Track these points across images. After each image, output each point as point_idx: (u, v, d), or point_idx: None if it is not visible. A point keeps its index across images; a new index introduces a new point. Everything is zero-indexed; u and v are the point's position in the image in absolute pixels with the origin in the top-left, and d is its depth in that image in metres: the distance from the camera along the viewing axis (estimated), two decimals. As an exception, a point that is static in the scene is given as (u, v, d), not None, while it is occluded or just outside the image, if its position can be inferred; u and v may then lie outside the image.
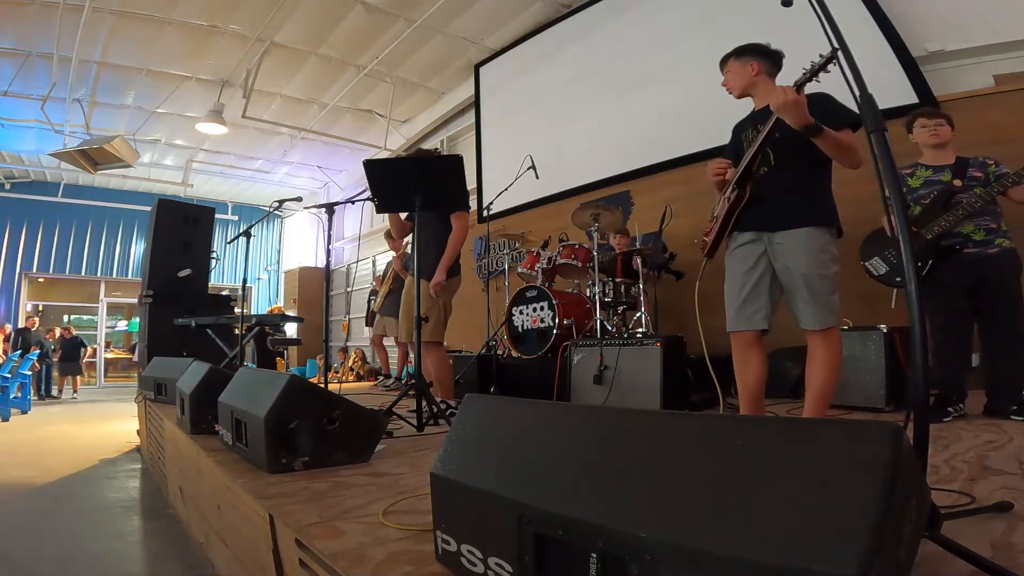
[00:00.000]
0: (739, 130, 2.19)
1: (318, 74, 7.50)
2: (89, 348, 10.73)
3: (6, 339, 8.91)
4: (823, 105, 1.82)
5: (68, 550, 2.14)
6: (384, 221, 5.91)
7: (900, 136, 2.61)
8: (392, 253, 5.81)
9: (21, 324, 9.78)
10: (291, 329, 9.02)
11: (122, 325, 12.86)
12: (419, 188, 2.61)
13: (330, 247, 3.87)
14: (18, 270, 10.82)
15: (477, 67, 7.42)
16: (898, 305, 3.28)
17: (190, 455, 2.25)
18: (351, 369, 8.80)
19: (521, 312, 4.22)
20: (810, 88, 1.74)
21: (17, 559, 2.05)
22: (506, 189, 5.07)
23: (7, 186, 10.75)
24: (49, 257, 11.16)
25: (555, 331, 3.83)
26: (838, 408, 2.79)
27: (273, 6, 5.86)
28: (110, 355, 12.66)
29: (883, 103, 1.21)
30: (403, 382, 5.16)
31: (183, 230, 5.23)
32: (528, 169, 4.79)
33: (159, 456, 3.12)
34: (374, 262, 10.26)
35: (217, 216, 5.93)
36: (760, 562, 0.53)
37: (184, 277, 5.09)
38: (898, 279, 3.04)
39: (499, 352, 4.43)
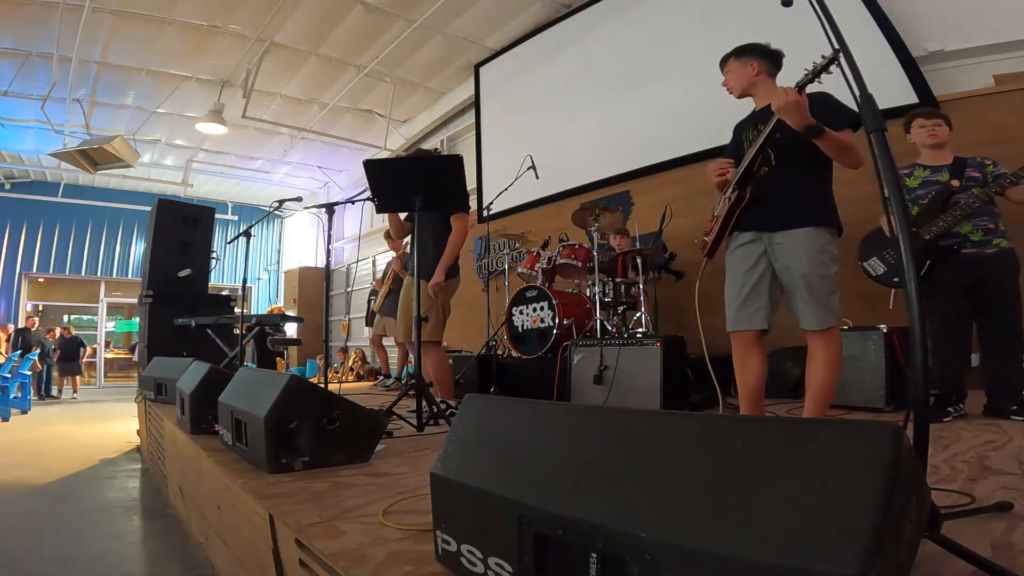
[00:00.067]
0: (740, 130, 2.19)
1: (318, 74, 7.50)
2: (89, 348, 10.72)
3: (7, 339, 8.91)
4: (824, 105, 1.82)
5: (68, 550, 2.14)
6: (384, 221, 5.90)
7: (899, 136, 2.62)
8: (392, 253, 5.81)
9: (21, 324, 9.78)
10: (291, 329, 9.02)
11: (110, 326, 12.82)
12: (419, 188, 2.61)
13: (330, 247, 3.87)
14: (18, 270, 10.83)
15: (477, 67, 7.42)
16: (896, 305, 3.29)
17: (190, 455, 2.25)
18: (351, 369, 8.80)
19: (521, 312, 4.22)
20: (811, 87, 1.74)
21: (17, 559, 2.05)
22: (506, 189, 5.07)
23: (7, 186, 10.75)
24: (49, 257, 11.16)
25: (555, 331, 3.83)
26: (838, 408, 2.79)
27: (273, 6, 5.86)
28: (110, 355, 12.66)
29: (883, 103, 1.21)
30: (403, 382, 5.16)
31: (183, 230, 5.23)
32: (528, 169, 4.80)
33: (159, 456, 3.12)
34: (374, 262, 10.26)
35: (217, 216, 5.93)
36: (760, 562, 0.53)
37: (184, 277, 5.09)
38: (896, 279, 3.04)
39: (499, 352, 4.43)
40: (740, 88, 2.10)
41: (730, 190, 2.05)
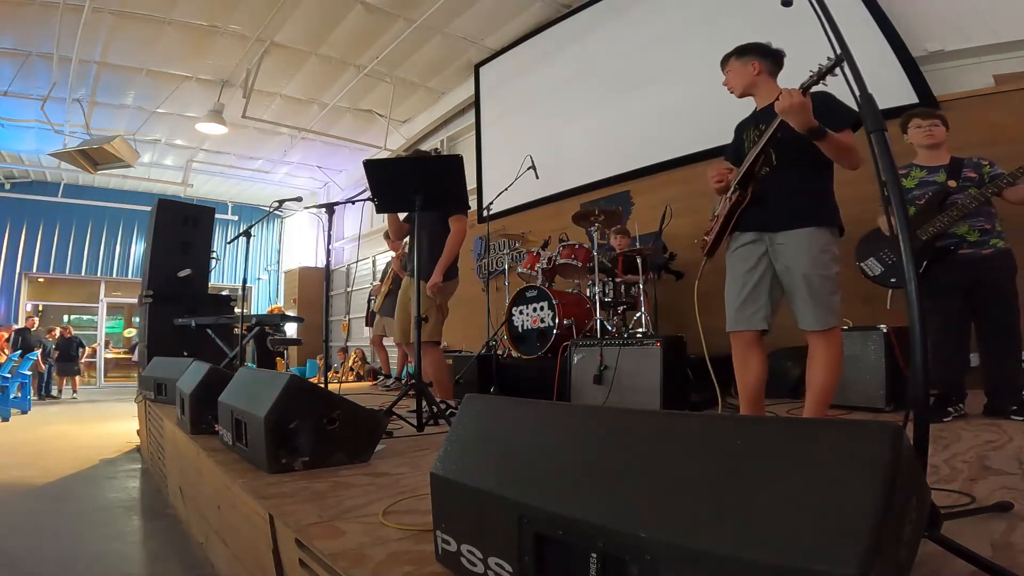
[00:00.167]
0: (741, 129, 2.19)
1: (318, 74, 7.50)
2: (87, 348, 10.72)
3: (7, 339, 8.91)
4: (825, 104, 1.82)
5: (68, 550, 2.14)
6: (384, 221, 5.91)
7: (896, 136, 2.61)
8: (392, 253, 5.81)
9: (21, 324, 9.78)
10: (291, 329, 9.02)
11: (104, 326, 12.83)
12: (419, 188, 2.61)
13: (330, 247, 3.87)
14: (18, 270, 10.83)
15: (477, 67, 7.42)
16: (893, 305, 3.29)
17: (190, 455, 2.25)
18: (351, 369, 8.80)
19: (521, 312, 4.22)
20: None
21: (17, 559, 2.05)
22: (506, 189, 5.07)
23: (7, 186, 10.75)
24: (49, 257, 11.16)
25: (555, 331, 3.83)
26: (838, 408, 2.79)
27: (273, 6, 5.86)
28: (110, 355, 12.66)
29: (883, 103, 1.21)
30: (403, 382, 5.16)
31: (183, 230, 5.23)
32: (528, 169, 4.79)
33: (159, 456, 3.12)
34: (374, 262, 10.26)
35: (217, 216, 5.93)
36: (760, 562, 0.53)
37: (184, 277, 5.09)
38: (893, 279, 3.05)
39: (499, 352, 4.43)
40: (741, 88, 2.10)
41: (731, 190, 2.05)
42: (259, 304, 13.17)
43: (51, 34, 6.08)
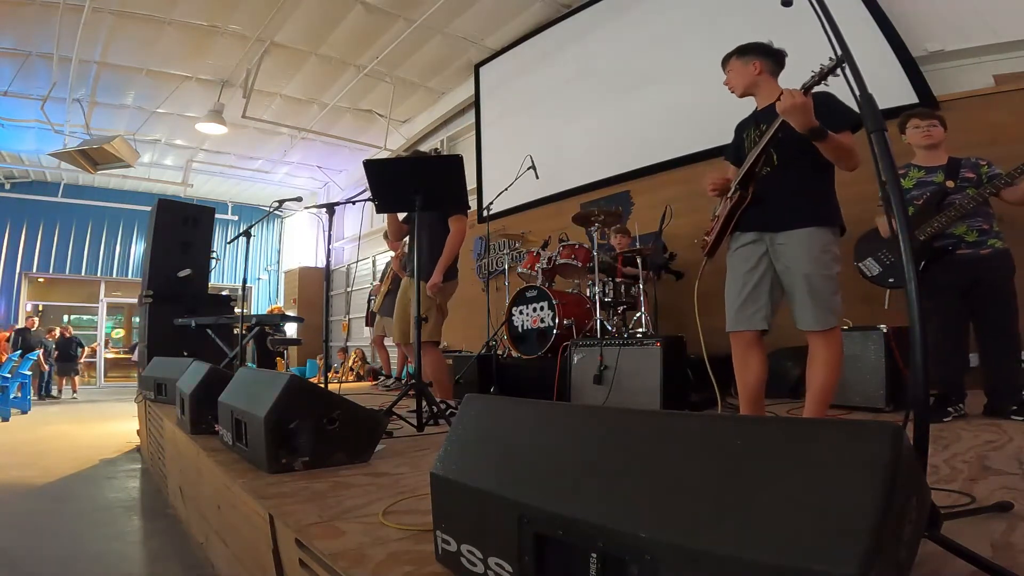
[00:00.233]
0: (741, 129, 2.19)
1: (318, 74, 7.50)
2: (87, 348, 10.72)
3: (7, 339, 8.91)
4: (826, 105, 1.82)
5: (68, 550, 2.14)
6: (384, 221, 5.91)
7: (895, 137, 2.61)
8: (391, 253, 5.81)
9: (21, 324, 9.78)
10: (291, 329, 9.02)
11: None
12: (419, 188, 2.61)
13: (330, 247, 3.88)
14: (18, 270, 10.83)
15: (477, 67, 7.42)
16: (891, 306, 3.29)
17: (190, 455, 2.25)
18: (351, 369, 8.80)
19: (521, 312, 4.22)
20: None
21: (17, 559, 2.05)
22: (506, 189, 5.07)
23: (7, 186, 10.75)
24: (49, 257, 11.16)
25: (555, 331, 3.83)
26: (838, 408, 2.79)
27: (273, 6, 5.86)
28: (110, 355, 12.65)
29: (883, 103, 1.21)
30: (403, 382, 5.16)
31: (183, 230, 5.23)
32: (528, 169, 4.79)
33: (159, 456, 3.12)
34: (374, 262, 10.27)
35: (217, 216, 5.93)
36: (760, 562, 0.53)
37: (184, 277, 5.09)
38: (891, 280, 3.05)
39: (499, 352, 4.43)
40: (742, 87, 2.10)
41: (732, 190, 2.05)
42: (259, 304, 13.17)
43: (51, 34, 6.08)
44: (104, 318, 12.17)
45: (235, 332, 4.52)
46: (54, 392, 9.55)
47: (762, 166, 1.99)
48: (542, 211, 6.36)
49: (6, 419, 6.37)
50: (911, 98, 3.76)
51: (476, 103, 7.49)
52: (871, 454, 0.54)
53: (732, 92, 2.14)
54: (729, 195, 2.06)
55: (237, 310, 5.32)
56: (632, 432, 0.76)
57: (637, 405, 2.89)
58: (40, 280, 11.65)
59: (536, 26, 6.71)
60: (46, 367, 9.26)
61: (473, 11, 6.38)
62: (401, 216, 3.36)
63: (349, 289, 11.28)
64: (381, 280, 6.11)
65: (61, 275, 11.43)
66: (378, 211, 2.93)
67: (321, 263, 11.83)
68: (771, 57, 2.06)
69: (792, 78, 1.87)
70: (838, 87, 1.40)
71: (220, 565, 1.81)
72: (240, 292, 4.46)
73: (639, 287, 4.01)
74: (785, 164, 1.96)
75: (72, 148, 7.54)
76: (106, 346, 12.47)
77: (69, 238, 11.39)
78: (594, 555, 0.68)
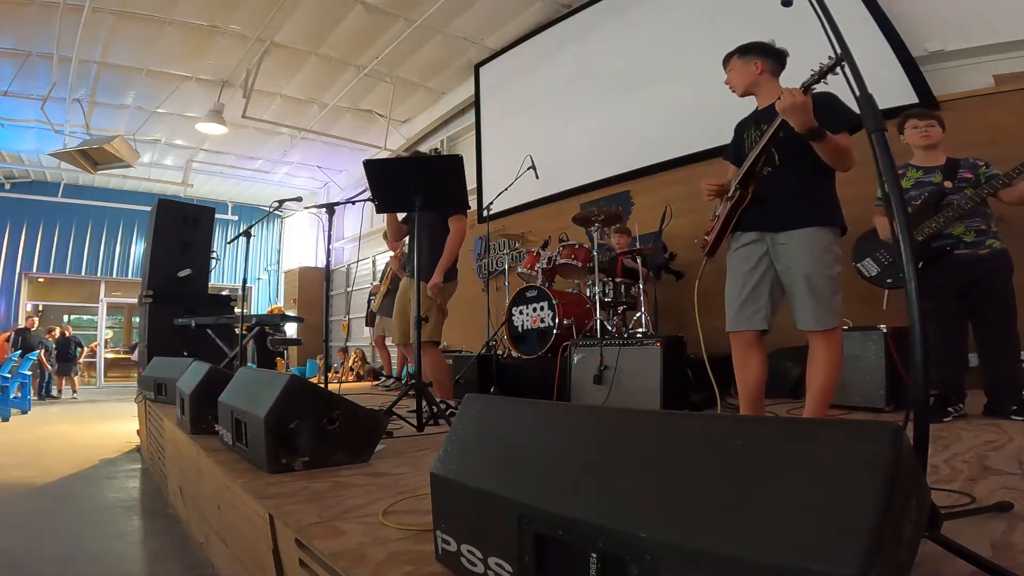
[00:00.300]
0: (741, 129, 2.19)
1: (318, 74, 7.50)
2: (86, 348, 10.72)
3: (7, 339, 8.91)
4: (825, 105, 1.82)
5: (68, 550, 2.14)
6: (384, 221, 5.91)
7: (893, 137, 2.61)
8: (391, 253, 5.81)
9: (21, 324, 9.78)
10: (291, 329, 9.02)
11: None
12: (419, 188, 2.61)
13: (330, 247, 3.87)
14: (18, 270, 10.82)
15: (477, 67, 7.42)
16: (889, 306, 3.29)
17: (190, 455, 2.25)
18: (351, 369, 8.80)
19: (521, 312, 4.22)
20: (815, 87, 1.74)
21: (17, 559, 2.05)
22: (506, 189, 5.07)
23: (7, 186, 10.75)
24: (49, 257, 11.16)
25: (555, 331, 3.83)
26: (838, 408, 2.79)
27: (273, 6, 5.86)
28: (110, 355, 12.65)
29: (883, 103, 1.21)
30: (403, 382, 5.16)
31: (183, 230, 5.23)
32: (528, 169, 4.79)
33: (159, 456, 3.12)
34: (374, 262, 10.27)
35: (217, 216, 5.93)
36: (760, 562, 0.53)
37: (184, 277, 5.09)
38: (889, 280, 3.05)
39: (499, 352, 4.43)
40: (743, 87, 2.10)
41: (732, 190, 2.05)
42: (259, 304, 13.17)
43: (51, 34, 6.08)
44: (104, 318, 12.17)
45: (235, 332, 4.52)
46: (54, 392, 9.55)
47: (763, 166, 1.99)
48: (542, 211, 6.36)
49: (6, 419, 6.37)
50: (911, 98, 3.76)
51: (476, 103, 7.49)
52: (871, 454, 0.54)
53: (733, 91, 2.14)
54: (729, 195, 2.06)
55: (237, 310, 5.32)
56: (632, 432, 0.76)
57: (637, 405, 2.89)
58: (40, 280, 11.65)
59: (536, 26, 6.71)
60: (49, 367, 9.27)
61: (473, 11, 6.38)
62: (401, 216, 3.36)
63: (349, 289, 11.28)
64: (380, 280, 6.11)
65: (61, 275, 11.43)
66: (378, 211, 2.93)
67: (321, 263, 11.82)
68: (773, 57, 2.06)
69: (792, 78, 1.87)
70: (838, 87, 1.40)
71: (220, 565, 1.81)
72: (240, 292, 4.46)
73: (639, 287, 4.01)
74: (786, 164, 1.96)
75: (72, 148, 7.54)
76: (106, 346, 12.47)
77: (69, 238, 11.39)
78: (594, 555, 0.68)
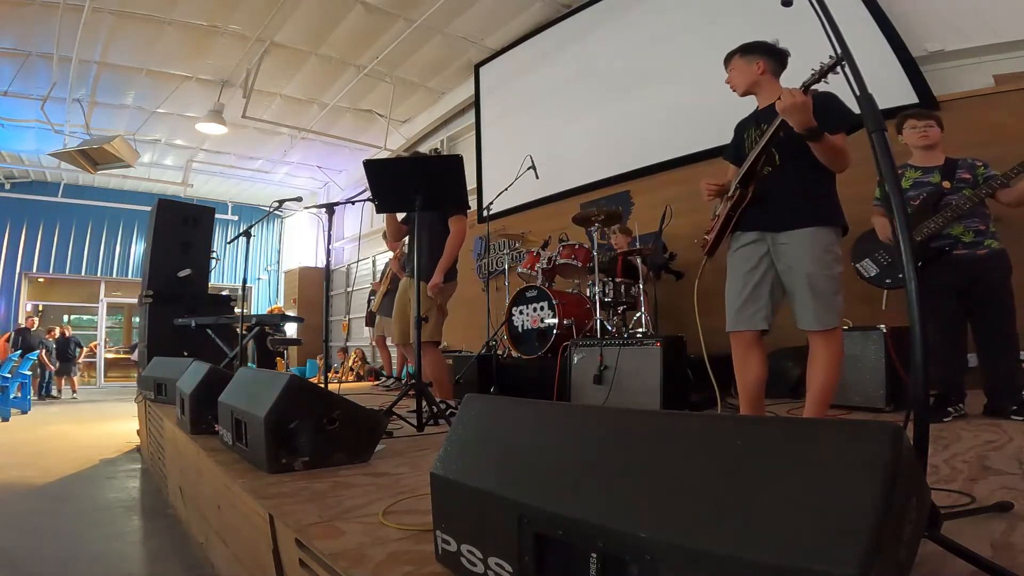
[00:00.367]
0: (741, 129, 2.19)
1: (318, 74, 7.50)
2: (85, 348, 10.71)
3: (7, 340, 8.91)
4: (824, 105, 1.82)
5: (68, 550, 2.14)
6: (384, 221, 5.90)
7: (892, 137, 2.61)
8: (391, 252, 5.81)
9: (22, 324, 9.78)
10: (291, 329, 9.02)
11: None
12: (419, 188, 2.61)
13: (330, 247, 3.87)
14: (18, 270, 10.82)
15: (477, 67, 7.42)
16: (888, 306, 3.29)
17: (190, 455, 2.25)
18: (351, 369, 8.80)
19: (521, 312, 4.22)
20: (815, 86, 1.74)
21: (17, 559, 2.05)
22: (506, 189, 5.07)
23: (7, 186, 10.75)
24: (49, 257, 11.16)
25: (555, 331, 3.83)
26: (838, 408, 2.79)
27: (273, 6, 5.86)
28: (110, 355, 12.65)
29: (883, 103, 1.21)
30: (403, 382, 5.16)
31: (183, 230, 5.23)
32: (528, 169, 4.79)
33: (159, 456, 3.12)
34: (374, 262, 10.27)
35: (217, 216, 5.93)
36: (760, 562, 0.53)
37: (184, 277, 5.09)
38: (888, 280, 3.05)
39: (499, 352, 4.43)
40: (744, 86, 2.09)
41: (732, 189, 2.05)
42: (259, 304, 13.17)
43: (51, 34, 6.08)
44: (104, 318, 12.16)
45: (235, 332, 4.52)
46: (54, 392, 9.55)
47: (763, 165, 1.99)
48: (542, 211, 6.36)
49: (6, 419, 6.36)
50: (911, 98, 3.76)
51: (476, 103, 7.49)
52: (871, 454, 0.54)
53: (733, 90, 2.14)
54: (729, 194, 2.06)
55: (237, 310, 5.32)
56: (632, 432, 0.76)
57: (637, 405, 2.89)
58: (40, 280, 11.65)
59: (536, 26, 6.71)
60: (52, 366, 9.27)
61: (473, 11, 6.38)
62: (400, 216, 3.36)
63: (349, 289, 11.28)
64: (380, 280, 6.10)
65: (61, 275, 11.43)
66: (378, 211, 2.93)
67: (321, 263, 11.82)
68: (774, 57, 2.06)
69: (792, 78, 1.87)
70: (839, 87, 1.41)
71: (220, 565, 1.81)
72: (240, 292, 4.46)
73: (639, 287, 4.01)
74: (786, 163, 1.96)
75: (72, 148, 7.53)
76: (105, 346, 12.47)
77: (69, 238, 11.39)
78: (594, 555, 0.68)
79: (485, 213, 4.85)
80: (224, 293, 8.44)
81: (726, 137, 2.26)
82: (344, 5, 6.11)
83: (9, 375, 6.79)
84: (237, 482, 1.60)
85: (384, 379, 6.30)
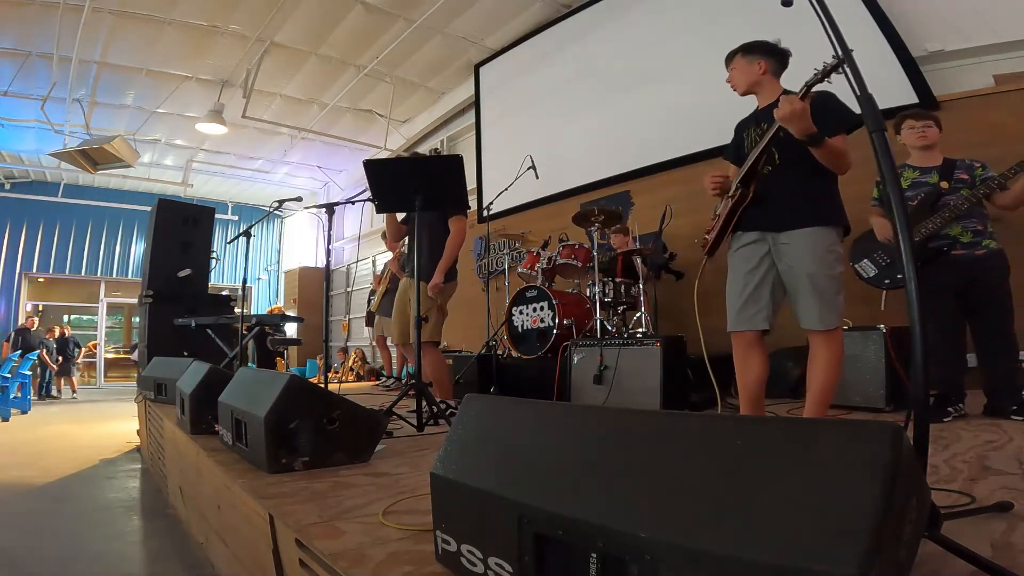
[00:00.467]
0: (741, 128, 2.19)
1: (318, 74, 7.50)
2: (83, 348, 10.71)
3: (7, 340, 8.91)
4: (824, 105, 1.82)
5: (68, 550, 2.14)
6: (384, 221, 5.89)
7: (890, 137, 2.61)
8: (391, 253, 5.81)
9: (22, 324, 9.78)
10: (291, 329, 9.02)
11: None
12: (419, 188, 2.61)
13: (330, 247, 3.87)
14: (18, 270, 10.82)
15: (477, 67, 7.42)
16: (887, 307, 3.29)
17: (190, 455, 2.25)
18: (351, 369, 8.80)
19: (521, 312, 4.22)
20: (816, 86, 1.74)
21: (17, 559, 2.05)
22: (506, 189, 5.07)
23: (7, 186, 10.75)
24: (49, 257, 11.16)
25: (555, 331, 3.83)
26: (838, 408, 2.79)
27: (273, 6, 5.86)
28: (110, 355, 12.65)
29: (883, 103, 1.21)
30: (403, 382, 5.16)
31: (183, 230, 5.23)
32: (528, 169, 4.79)
33: (159, 456, 3.12)
34: (374, 262, 10.26)
35: (217, 216, 5.93)
36: (760, 562, 0.53)
37: (184, 277, 5.09)
38: (887, 281, 3.05)
39: (499, 352, 4.43)
40: (744, 86, 2.09)
41: (733, 189, 2.05)
42: (259, 304, 13.17)
43: (51, 34, 6.08)
44: (104, 318, 12.16)
45: (235, 332, 4.52)
46: (54, 392, 9.55)
47: (764, 165, 1.99)
48: (542, 211, 6.36)
49: (6, 419, 6.36)
50: (911, 98, 3.76)
51: (476, 103, 7.49)
52: (871, 454, 0.54)
53: (734, 90, 2.14)
54: (730, 193, 2.06)
55: (237, 310, 5.32)
56: (632, 432, 0.76)
57: (637, 405, 2.89)
58: (40, 280, 11.65)
59: (536, 26, 6.71)
60: (54, 366, 9.27)
61: (473, 11, 6.38)
62: (400, 216, 3.36)
63: (349, 289, 11.28)
64: (379, 279, 6.10)
65: (61, 275, 11.43)
66: (378, 211, 2.93)
67: (321, 263, 11.82)
68: (776, 57, 2.05)
69: (792, 79, 1.87)
70: (839, 87, 1.41)
71: (220, 565, 1.81)
72: (240, 292, 4.46)
73: (639, 287, 4.01)
74: (787, 163, 1.96)
75: (72, 148, 7.53)
76: (105, 346, 12.47)
77: (69, 238, 11.38)
78: (594, 555, 0.68)
79: (485, 213, 4.85)
80: (224, 293, 8.44)
81: (726, 137, 2.26)
82: (344, 5, 6.11)
83: (9, 375, 6.79)
84: (237, 482, 1.60)
85: (384, 379, 6.29)
